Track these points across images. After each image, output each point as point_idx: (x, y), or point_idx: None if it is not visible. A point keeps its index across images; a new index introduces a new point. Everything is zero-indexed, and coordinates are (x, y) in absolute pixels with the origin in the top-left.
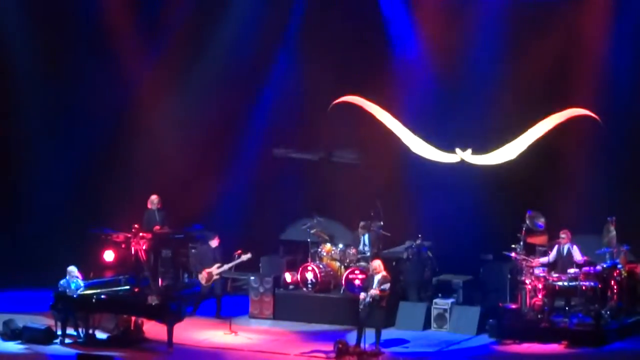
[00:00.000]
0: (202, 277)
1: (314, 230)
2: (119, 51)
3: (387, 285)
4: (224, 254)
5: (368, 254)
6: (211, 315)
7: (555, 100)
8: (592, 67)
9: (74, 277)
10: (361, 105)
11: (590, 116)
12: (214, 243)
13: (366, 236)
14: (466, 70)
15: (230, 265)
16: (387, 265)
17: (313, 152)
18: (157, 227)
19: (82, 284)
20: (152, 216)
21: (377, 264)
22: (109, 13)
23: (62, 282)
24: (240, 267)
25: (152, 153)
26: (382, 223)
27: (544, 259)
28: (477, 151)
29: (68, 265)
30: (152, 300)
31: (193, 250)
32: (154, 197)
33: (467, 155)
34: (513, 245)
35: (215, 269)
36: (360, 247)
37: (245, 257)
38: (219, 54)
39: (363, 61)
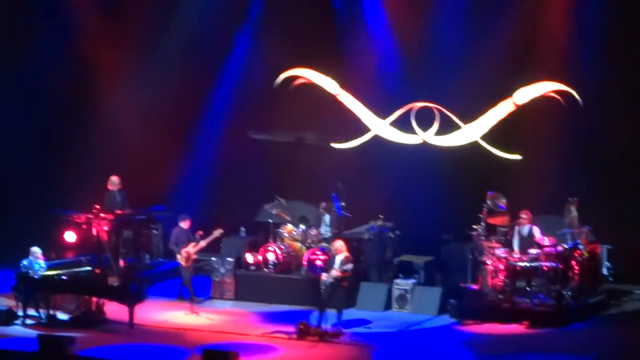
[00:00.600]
0: (182, 258)
1: (276, 211)
2: (79, 29)
3: (349, 266)
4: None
5: (329, 234)
6: (174, 297)
7: (520, 79)
8: (557, 46)
9: (37, 258)
10: (322, 86)
11: (564, 90)
12: (185, 225)
13: (327, 217)
14: (429, 48)
15: (205, 242)
16: (348, 246)
17: (287, 134)
18: (119, 211)
19: (44, 265)
20: (113, 197)
21: (339, 244)
22: None
23: (24, 262)
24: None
25: (113, 133)
26: (343, 204)
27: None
28: (439, 132)
29: (29, 246)
30: (113, 281)
31: (154, 231)
32: (114, 178)
33: (429, 137)
34: (474, 226)
35: (192, 249)
36: (322, 227)
37: (217, 232)
38: (180, 33)
39: (324, 41)
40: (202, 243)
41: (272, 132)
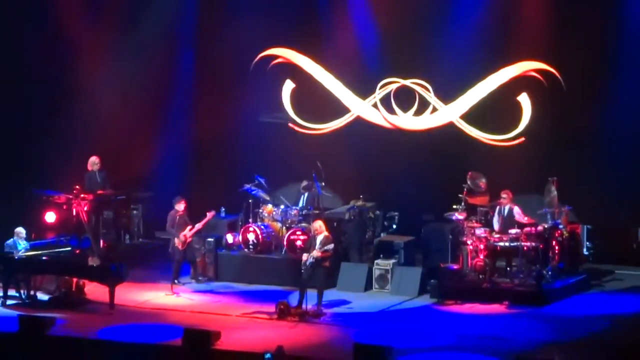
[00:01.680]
0: (179, 242)
1: (256, 191)
2: (57, 7)
3: (330, 246)
4: (163, 217)
5: (307, 212)
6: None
7: (500, 59)
8: (538, 25)
9: (21, 239)
10: (300, 65)
11: (545, 69)
12: (181, 207)
13: (306, 195)
14: (409, 27)
15: (200, 225)
16: (328, 226)
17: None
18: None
19: (26, 246)
20: (93, 178)
21: (319, 224)
22: None
23: (9, 242)
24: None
25: (92, 113)
26: (323, 184)
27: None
28: (419, 112)
29: (8, 227)
30: (94, 261)
31: (134, 212)
32: (94, 158)
33: (408, 117)
34: (455, 206)
35: (188, 232)
36: (300, 206)
37: (210, 215)
38: (158, 12)
39: (303, 20)
40: (198, 226)
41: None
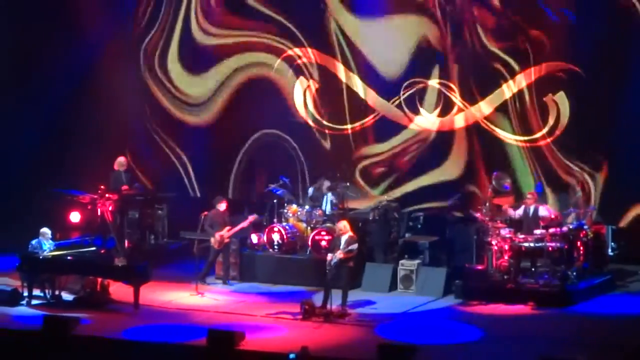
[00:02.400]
0: (215, 241)
1: (281, 192)
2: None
3: (354, 246)
4: (188, 217)
5: (331, 212)
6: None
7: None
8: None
9: (47, 239)
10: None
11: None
12: (222, 207)
13: (331, 196)
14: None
15: (239, 227)
16: (353, 226)
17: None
18: (125, 187)
19: (51, 246)
20: (119, 178)
21: (343, 224)
22: None
23: (33, 242)
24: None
25: (118, 114)
26: (348, 184)
27: (512, 212)
28: (444, 113)
29: (34, 228)
30: (119, 261)
31: (159, 212)
32: (121, 159)
33: (432, 118)
34: (479, 207)
35: (226, 232)
36: (325, 207)
37: (251, 217)
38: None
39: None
40: (236, 228)
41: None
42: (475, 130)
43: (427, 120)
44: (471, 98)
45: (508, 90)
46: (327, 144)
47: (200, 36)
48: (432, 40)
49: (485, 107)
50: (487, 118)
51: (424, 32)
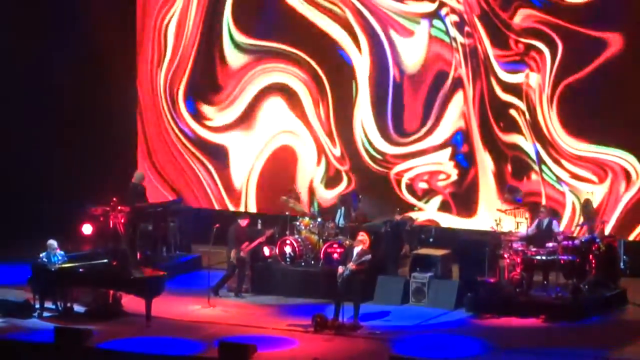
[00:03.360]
0: (234, 256)
1: (292, 203)
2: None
3: (367, 257)
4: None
5: (344, 225)
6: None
7: None
8: None
9: (54, 251)
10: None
11: None
12: (244, 222)
13: (343, 209)
14: None
15: (257, 242)
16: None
17: None
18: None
19: (61, 258)
20: (134, 190)
21: (363, 236)
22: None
23: (42, 255)
24: (219, 241)
25: (131, 128)
26: (360, 197)
27: (523, 232)
28: None
29: (46, 238)
30: (131, 273)
31: (171, 224)
32: (140, 173)
33: None
34: (493, 219)
35: (245, 247)
36: (338, 220)
37: (268, 232)
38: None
39: None
40: (255, 242)
41: None
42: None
43: None
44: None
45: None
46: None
47: None
48: None
49: None
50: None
51: None
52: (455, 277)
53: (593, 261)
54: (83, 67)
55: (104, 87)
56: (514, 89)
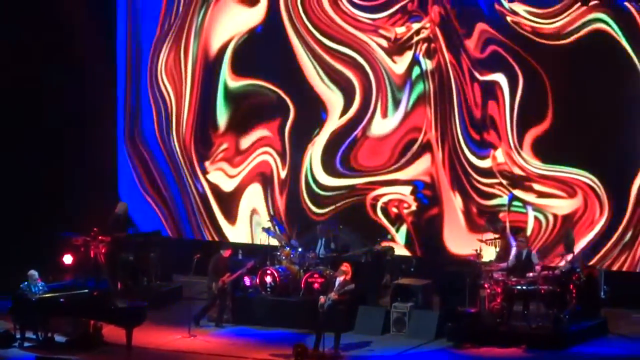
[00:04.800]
0: (216, 286)
1: (273, 234)
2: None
3: (351, 286)
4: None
5: (324, 255)
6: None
7: None
8: None
9: (35, 281)
10: None
11: None
12: (226, 253)
13: (324, 240)
14: None
15: (239, 273)
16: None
17: None
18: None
19: (42, 288)
20: (117, 221)
21: (347, 267)
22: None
23: (22, 285)
24: (200, 271)
25: (112, 156)
26: (341, 227)
27: (503, 264)
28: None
29: (27, 268)
30: (111, 304)
31: (152, 254)
32: (123, 204)
33: None
34: (473, 249)
35: (226, 278)
36: (319, 250)
37: (250, 263)
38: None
39: None
40: (236, 274)
41: None
42: None
43: None
44: None
45: None
46: None
47: None
48: None
49: None
50: None
51: None
52: (436, 307)
53: (574, 291)
54: (66, 94)
55: (86, 116)
56: (488, 173)
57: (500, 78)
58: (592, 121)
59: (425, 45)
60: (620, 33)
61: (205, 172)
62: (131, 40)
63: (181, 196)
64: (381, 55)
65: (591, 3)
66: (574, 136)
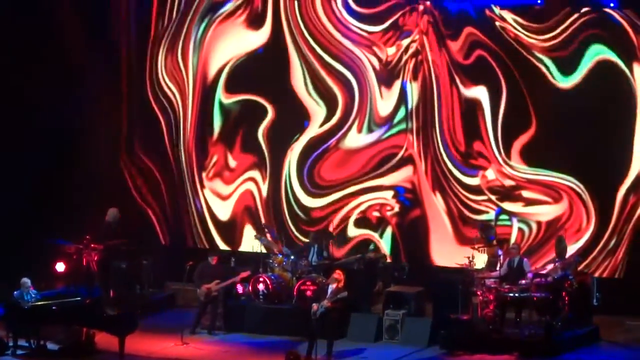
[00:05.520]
0: (201, 292)
1: (266, 242)
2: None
3: (344, 294)
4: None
5: (317, 263)
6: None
7: None
8: None
9: (27, 289)
10: None
11: None
12: (214, 260)
13: (316, 247)
14: None
15: (230, 281)
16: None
17: None
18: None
19: (34, 295)
20: (109, 228)
21: (339, 275)
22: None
23: (15, 293)
24: (193, 279)
25: (107, 164)
26: (334, 234)
27: (495, 272)
28: None
29: (19, 276)
30: (104, 311)
31: (145, 262)
32: (112, 210)
33: None
34: (465, 257)
35: (214, 285)
36: (312, 257)
37: (244, 273)
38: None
39: None
40: (226, 282)
41: None
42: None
43: None
44: None
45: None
46: None
47: None
48: None
49: None
50: None
51: None
52: (428, 315)
53: (566, 298)
54: (64, 105)
55: (81, 124)
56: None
57: (482, 92)
58: (578, 128)
59: (413, 61)
60: (607, 39)
61: (202, 185)
62: (129, 43)
63: (177, 204)
64: (372, 81)
65: (582, 10)
66: (561, 140)
